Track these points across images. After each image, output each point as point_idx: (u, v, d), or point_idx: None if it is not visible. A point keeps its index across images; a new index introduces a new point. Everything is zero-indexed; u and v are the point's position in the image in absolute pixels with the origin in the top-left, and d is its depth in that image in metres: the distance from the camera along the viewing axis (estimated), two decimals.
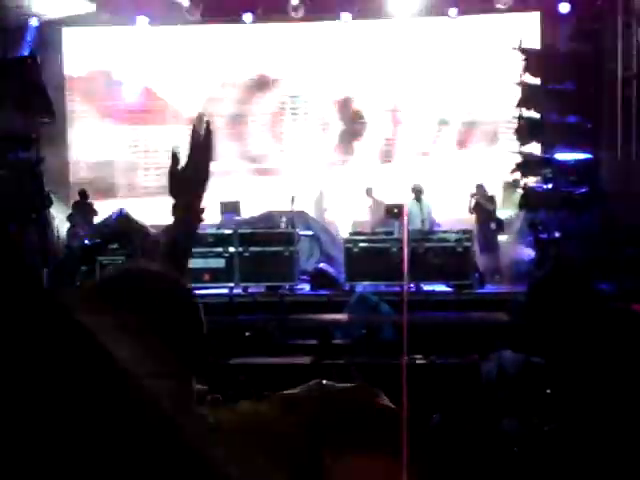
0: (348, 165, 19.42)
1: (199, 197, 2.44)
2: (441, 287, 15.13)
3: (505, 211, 17.14)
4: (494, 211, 16.57)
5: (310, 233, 16.77)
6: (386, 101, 19.30)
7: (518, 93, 16.68)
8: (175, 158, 2.47)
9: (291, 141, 19.53)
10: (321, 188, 18.67)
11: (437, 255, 14.98)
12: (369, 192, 17.83)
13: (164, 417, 0.82)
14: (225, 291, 15.07)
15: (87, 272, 14.90)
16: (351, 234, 15.77)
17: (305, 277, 15.78)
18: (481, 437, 5.44)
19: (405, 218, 16.21)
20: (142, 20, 18.61)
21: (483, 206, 16.44)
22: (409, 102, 19.22)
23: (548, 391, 8.02)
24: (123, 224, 15.99)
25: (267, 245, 15.17)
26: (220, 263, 15.21)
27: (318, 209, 18.23)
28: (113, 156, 19.74)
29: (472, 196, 16.70)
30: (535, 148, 16.97)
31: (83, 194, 17.78)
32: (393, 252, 15.08)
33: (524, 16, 18.59)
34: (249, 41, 19.01)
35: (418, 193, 16.39)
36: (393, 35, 18.83)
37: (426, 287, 15.09)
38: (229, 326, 12.07)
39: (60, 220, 17.31)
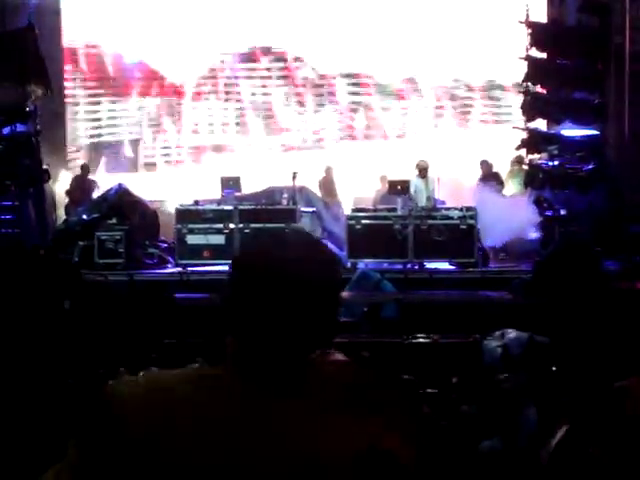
0: (355, 141, 19.15)
1: None
2: (444, 265, 14.96)
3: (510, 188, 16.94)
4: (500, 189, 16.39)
5: (312, 209, 16.58)
6: (393, 75, 19.00)
7: (524, 68, 16.48)
8: None
9: (296, 115, 19.24)
10: (328, 164, 18.47)
11: (440, 233, 14.79)
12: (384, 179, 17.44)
13: None
14: (225, 268, 14.83)
15: (85, 247, 14.75)
16: (354, 210, 15.55)
17: None
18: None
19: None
20: None
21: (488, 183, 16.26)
22: (414, 76, 18.93)
23: (554, 369, 7.83)
24: (122, 199, 15.83)
25: (268, 222, 14.97)
26: (220, 240, 15.02)
27: (324, 186, 18.00)
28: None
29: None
30: (541, 124, 16.74)
31: (84, 169, 17.63)
32: (396, 229, 14.90)
33: None
34: (250, 10, 18.69)
35: (423, 170, 16.20)
36: (400, 8, 18.54)
37: (429, 265, 14.93)
38: None
39: (59, 194, 17.14)
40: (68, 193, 17.08)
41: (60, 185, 17.32)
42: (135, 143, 19.80)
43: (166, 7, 18.94)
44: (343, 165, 18.57)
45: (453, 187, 17.10)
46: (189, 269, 14.56)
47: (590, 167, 15.63)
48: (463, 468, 4.69)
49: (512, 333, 9.40)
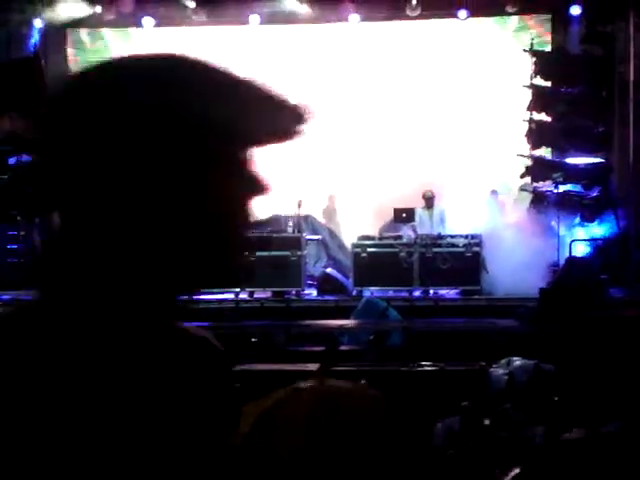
0: (359, 170, 19.10)
1: None
2: (450, 292, 14.97)
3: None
4: None
5: (317, 237, 16.59)
6: (394, 104, 18.99)
7: (528, 96, 16.52)
8: None
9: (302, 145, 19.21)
10: (330, 193, 18.43)
11: (446, 260, 14.81)
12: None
13: None
14: (231, 296, 14.86)
15: None
16: (359, 238, 15.55)
17: (312, 282, 15.62)
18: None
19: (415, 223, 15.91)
20: (148, 21, 18.44)
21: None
22: (417, 106, 18.91)
23: (556, 398, 7.83)
24: None
25: (273, 249, 15.00)
26: None
27: (327, 215, 17.99)
28: None
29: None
30: (545, 152, 16.78)
31: None
32: (402, 257, 14.92)
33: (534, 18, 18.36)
34: (255, 43, 18.75)
35: (429, 200, 16.11)
36: (400, 37, 18.61)
37: (435, 292, 14.94)
38: (234, 332, 11.92)
39: None
40: None
41: None
42: None
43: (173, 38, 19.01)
44: (347, 193, 18.53)
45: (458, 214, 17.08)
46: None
47: (595, 194, 15.67)
48: None
49: (518, 361, 9.42)
